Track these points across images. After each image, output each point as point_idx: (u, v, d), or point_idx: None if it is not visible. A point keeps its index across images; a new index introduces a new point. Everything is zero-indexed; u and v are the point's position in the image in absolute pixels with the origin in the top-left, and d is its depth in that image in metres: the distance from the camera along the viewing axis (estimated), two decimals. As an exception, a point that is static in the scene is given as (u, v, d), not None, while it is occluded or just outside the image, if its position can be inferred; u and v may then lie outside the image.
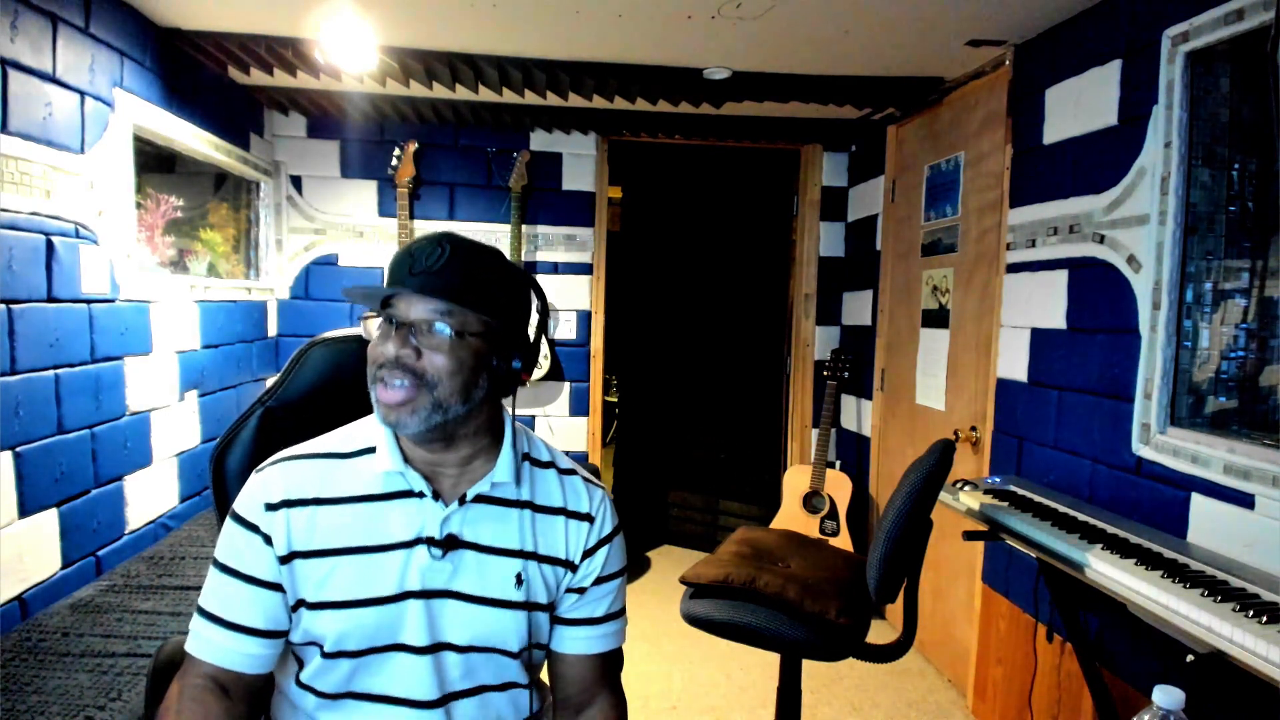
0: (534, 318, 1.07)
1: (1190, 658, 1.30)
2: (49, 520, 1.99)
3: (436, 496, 1.01)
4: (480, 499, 1.03)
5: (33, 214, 1.90)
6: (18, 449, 1.87)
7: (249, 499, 1.01)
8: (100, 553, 2.20)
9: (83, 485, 2.13)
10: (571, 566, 1.07)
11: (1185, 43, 1.80)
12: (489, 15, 2.35)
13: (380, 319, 0.97)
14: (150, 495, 2.48)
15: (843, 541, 3.46)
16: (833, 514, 3.54)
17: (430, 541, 0.99)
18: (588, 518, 1.08)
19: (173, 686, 0.99)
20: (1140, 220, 1.93)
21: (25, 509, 1.89)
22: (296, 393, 1.22)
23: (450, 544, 1.00)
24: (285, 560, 0.99)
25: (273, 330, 3.60)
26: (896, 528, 1.75)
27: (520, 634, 1.03)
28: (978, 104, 2.78)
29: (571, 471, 1.11)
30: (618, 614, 1.14)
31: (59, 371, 2.02)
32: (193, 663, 0.99)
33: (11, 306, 1.84)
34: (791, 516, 3.60)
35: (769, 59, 2.73)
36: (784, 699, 2.02)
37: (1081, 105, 2.18)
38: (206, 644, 0.99)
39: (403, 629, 0.99)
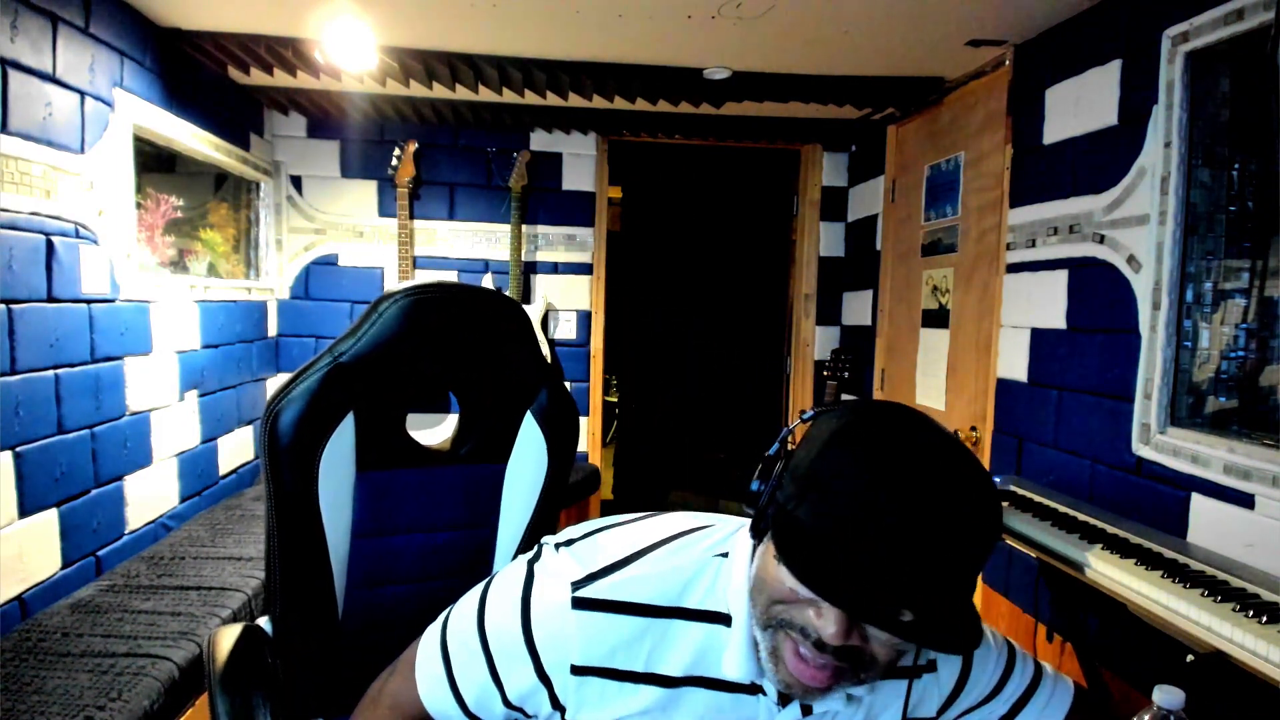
0: None
1: (1190, 658, 1.30)
2: (49, 520, 1.99)
3: (784, 702, 0.83)
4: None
5: (33, 214, 1.90)
6: (18, 449, 1.87)
7: (553, 637, 0.83)
8: (100, 553, 2.20)
9: (83, 485, 2.13)
10: None
11: (1185, 43, 1.80)
12: (489, 15, 2.35)
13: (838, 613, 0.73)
14: (150, 495, 2.48)
15: (843, 541, 3.46)
16: (833, 514, 3.54)
17: None
18: (930, 667, 0.93)
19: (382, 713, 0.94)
20: (1140, 220, 1.93)
21: (25, 509, 1.89)
22: (369, 347, 1.18)
23: None
24: (562, 710, 0.86)
25: (273, 330, 3.60)
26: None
27: None
28: (978, 104, 2.78)
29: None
30: (1004, 678, 0.97)
31: (59, 371, 2.02)
32: (412, 701, 0.92)
33: (11, 306, 1.84)
34: (791, 516, 3.60)
35: (769, 59, 2.73)
36: (784, 699, 2.02)
37: (1081, 105, 2.18)
38: (431, 696, 0.91)
39: None
